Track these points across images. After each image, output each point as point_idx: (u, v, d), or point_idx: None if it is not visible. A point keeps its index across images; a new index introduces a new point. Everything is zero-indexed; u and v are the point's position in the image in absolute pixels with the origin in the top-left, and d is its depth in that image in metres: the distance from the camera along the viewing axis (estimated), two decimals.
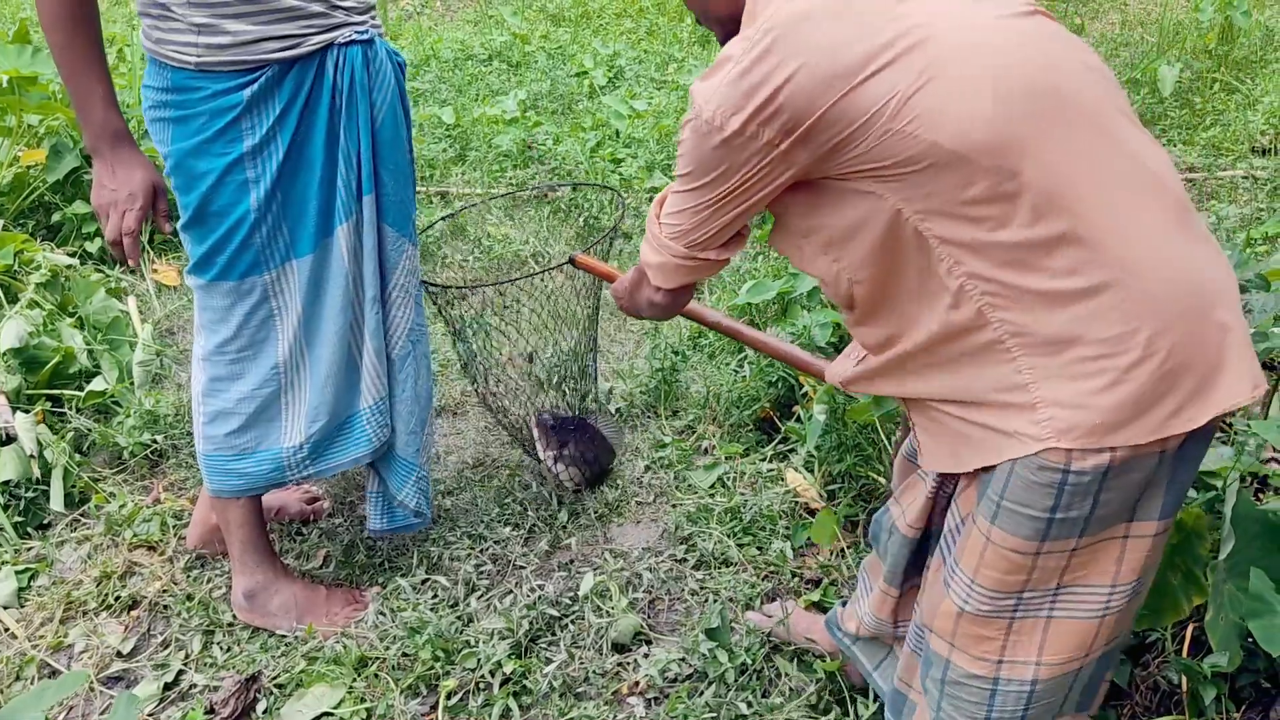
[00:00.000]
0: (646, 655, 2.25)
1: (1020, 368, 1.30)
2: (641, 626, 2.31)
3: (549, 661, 2.23)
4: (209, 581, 2.54)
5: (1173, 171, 1.34)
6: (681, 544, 2.55)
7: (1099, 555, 1.37)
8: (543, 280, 2.62)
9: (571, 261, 2.41)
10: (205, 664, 2.34)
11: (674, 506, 2.70)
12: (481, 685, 2.21)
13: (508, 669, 2.19)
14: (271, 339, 2.18)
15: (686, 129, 1.37)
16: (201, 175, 2.00)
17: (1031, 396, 1.30)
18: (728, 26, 1.48)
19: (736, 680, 2.09)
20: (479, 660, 2.22)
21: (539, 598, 2.35)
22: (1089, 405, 1.26)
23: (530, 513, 2.70)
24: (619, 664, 2.24)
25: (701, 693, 2.09)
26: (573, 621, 2.32)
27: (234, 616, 2.43)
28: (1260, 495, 2.27)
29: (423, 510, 2.45)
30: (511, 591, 2.42)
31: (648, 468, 2.86)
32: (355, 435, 2.31)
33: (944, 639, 1.49)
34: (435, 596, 2.43)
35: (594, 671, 2.21)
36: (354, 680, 2.25)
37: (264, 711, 2.21)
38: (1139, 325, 1.24)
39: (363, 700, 2.21)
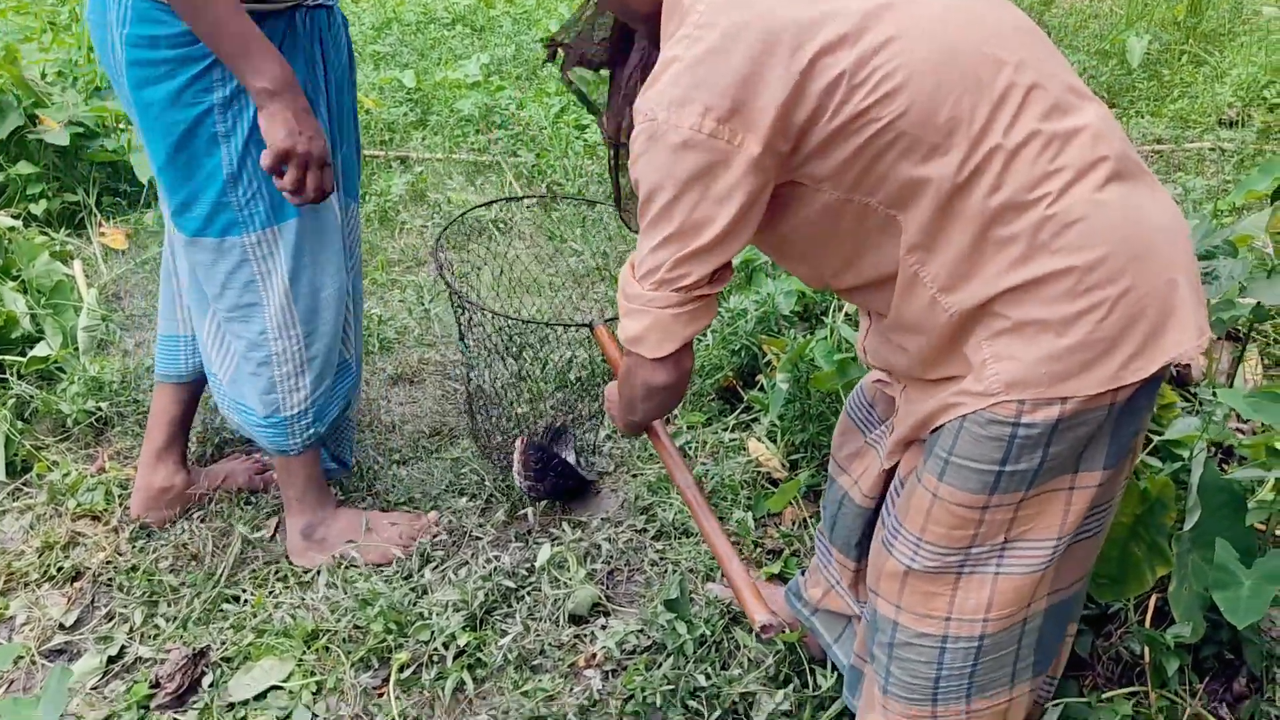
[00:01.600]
0: (604, 627, 2.21)
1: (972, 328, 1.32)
2: (599, 598, 2.26)
3: (504, 634, 2.17)
4: (154, 552, 2.47)
5: (1115, 126, 1.31)
6: (641, 514, 2.50)
7: (1046, 508, 1.37)
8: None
9: (590, 328, 2.34)
10: (150, 637, 2.27)
11: (634, 476, 2.65)
12: (435, 658, 2.15)
13: (462, 641, 2.14)
14: (258, 305, 2.15)
15: (639, 144, 1.28)
16: (173, 124, 1.95)
17: (981, 354, 1.30)
18: (652, 24, 1.41)
19: (695, 652, 2.04)
20: (432, 633, 2.16)
21: (495, 569, 2.29)
22: (1039, 357, 1.26)
23: (487, 482, 2.64)
24: (576, 636, 2.19)
25: (659, 665, 2.05)
26: (529, 593, 2.27)
27: (185, 590, 2.36)
28: (1225, 466, 2.26)
29: (345, 459, 2.56)
30: (467, 563, 2.36)
31: (608, 436, 2.80)
32: (340, 390, 2.36)
33: (890, 601, 1.47)
34: (388, 568, 2.37)
35: (550, 643, 2.16)
36: (304, 653, 2.18)
37: (211, 685, 2.14)
38: (1090, 276, 1.24)
39: (312, 673, 2.15)
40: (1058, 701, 1.73)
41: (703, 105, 1.22)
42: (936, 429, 1.39)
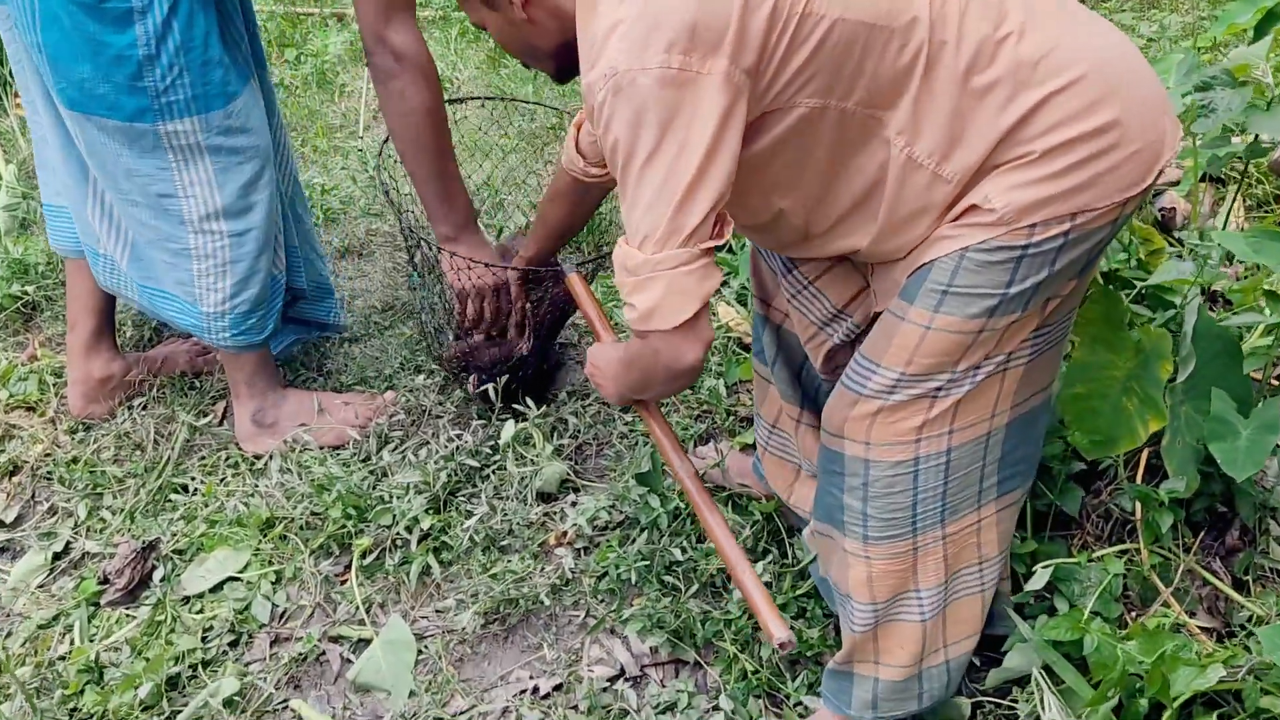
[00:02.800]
0: (574, 504, 2.12)
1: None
2: (568, 474, 2.17)
3: (469, 515, 2.08)
4: (95, 443, 2.34)
5: None
6: None
7: (1026, 325, 1.40)
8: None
9: (560, 275, 2.08)
10: (96, 531, 2.16)
11: None
12: (398, 543, 2.06)
13: (425, 525, 2.04)
14: (174, 196, 2.01)
15: (606, 105, 1.24)
16: None
17: (983, 193, 1.32)
18: (560, 58, 1.45)
19: (669, 526, 1.96)
20: (394, 517, 2.06)
21: (457, 449, 2.18)
22: (1046, 179, 1.29)
23: None
24: (545, 514, 2.10)
25: (633, 540, 1.97)
26: (494, 472, 2.17)
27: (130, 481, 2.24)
28: (1213, 312, 2.17)
29: (333, 322, 2.56)
30: (427, 443, 2.25)
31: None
32: (274, 309, 2.25)
33: (859, 441, 1.46)
34: (345, 450, 2.26)
35: (518, 523, 2.07)
36: (259, 542, 2.08)
37: (162, 579, 2.04)
38: (1078, 96, 1.28)
39: (270, 563, 2.06)
40: (1047, 563, 1.67)
41: (664, 41, 1.20)
42: (918, 268, 1.39)
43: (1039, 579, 1.64)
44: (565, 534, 2.05)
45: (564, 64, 1.46)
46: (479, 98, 2.65)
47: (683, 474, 1.60)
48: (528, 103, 2.83)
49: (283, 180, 2.24)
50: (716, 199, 1.27)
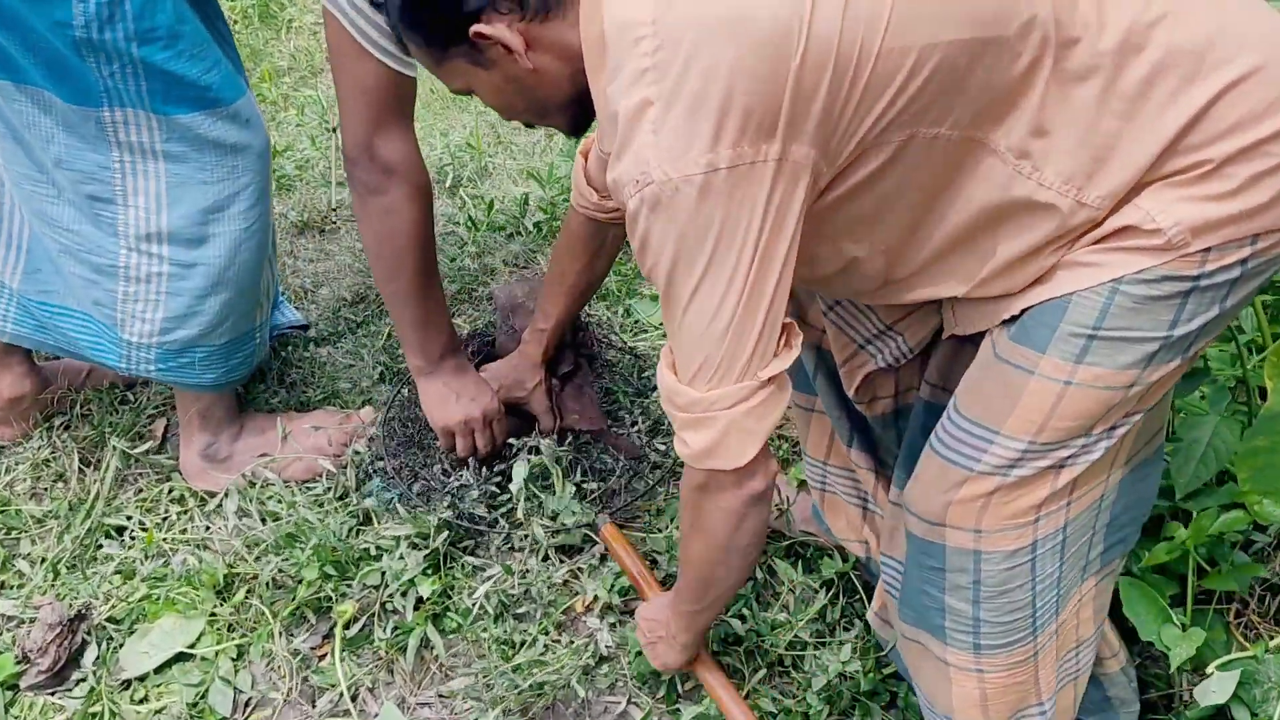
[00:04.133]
0: (604, 559, 1.75)
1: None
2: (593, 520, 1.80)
3: (476, 573, 1.71)
4: (6, 474, 1.91)
5: None
6: (637, 400, 2.02)
7: (1176, 374, 1.15)
8: None
9: (594, 531, 1.76)
10: (10, 587, 1.76)
11: (622, 353, 2.14)
12: (389, 609, 1.68)
13: (424, 589, 1.66)
14: (111, 202, 1.61)
15: (641, 221, 1.01)
16: None
17: (1140, 212, 1.05)
18: (571, 110, 1.18)
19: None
20: (384, 576, 1.69)
21: (458, 488, 1.80)
22: (1226, 196, 1.02)
23: None
24: (570, 573, 1.73)
25: None
26: (504, 517, 1.79)
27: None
28: None
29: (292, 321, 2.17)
30: (418, 477, 1.86)
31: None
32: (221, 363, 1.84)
33: (966, 529, 1.18)
34: (316, 485, 1.86)
35: (538, 584, 1.70)
36: (216, 607, 1.70)
37: (96, 660, 1.65)
38: (1257, 89, 1.01)
39: (230, 633, 1.67)
40: (1226, 661, 1.35)
41: (709, 133, 0.96)
42: (1031, 308, 1.12)
43: (1222, 686, 1.32)
44: (595, 599, 1.69)
45: (578, 115, 1.20)
46: None
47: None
48: None
49: None
50: (779, 308, 1.06)
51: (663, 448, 1.91)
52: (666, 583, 1.62)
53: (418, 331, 1.68)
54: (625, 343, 2.10)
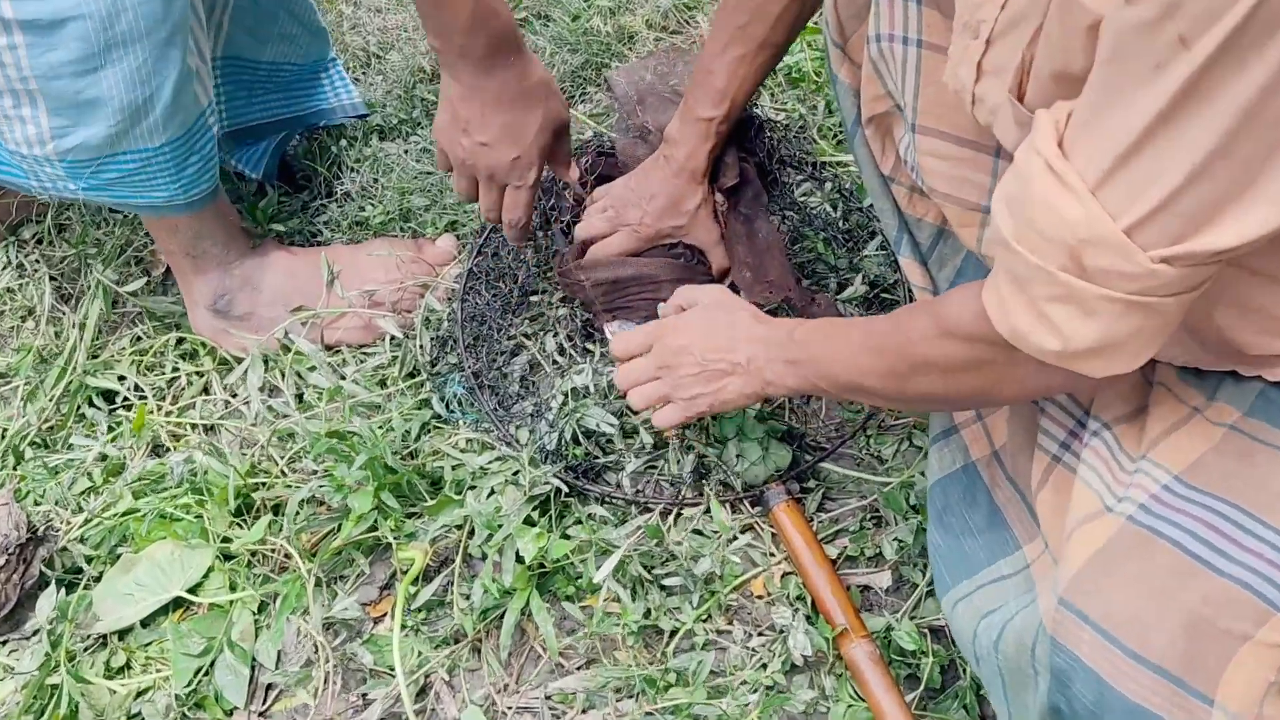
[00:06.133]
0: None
1: None
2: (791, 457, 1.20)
3: (603, 524, 1.14)
4: None
5: None
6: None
7: None
8: None
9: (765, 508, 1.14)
10: None
11: None
12: (474, 556, 1.14)
13: (528, 545, 1.09)
14: None
15: None
16: None
17: None
18: None
19: None
20: (471, 520, 1.13)
21: (574, 393, 1.20)
22: None
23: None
24: (748, 530, 1.15)
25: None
26: (638, 455, 1.20)
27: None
28: None
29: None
30: (529, 371, 1.27)
31: None
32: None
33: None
34: (376, 351, 1.29)
35: (698, 547, 1.12)
36: (230, 530, 1.18)
37: (58, 608, 1.14)
38: None
39: (251, 568, 1.15)
40: None
41: None
42: None
43: None
44: (784, 578, 1.11)
45: None
46: None
47: None
48: None
49: None
50: None
51: None
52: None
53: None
54: (816, 156, 1.42)
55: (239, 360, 1.31)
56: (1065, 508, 0.83)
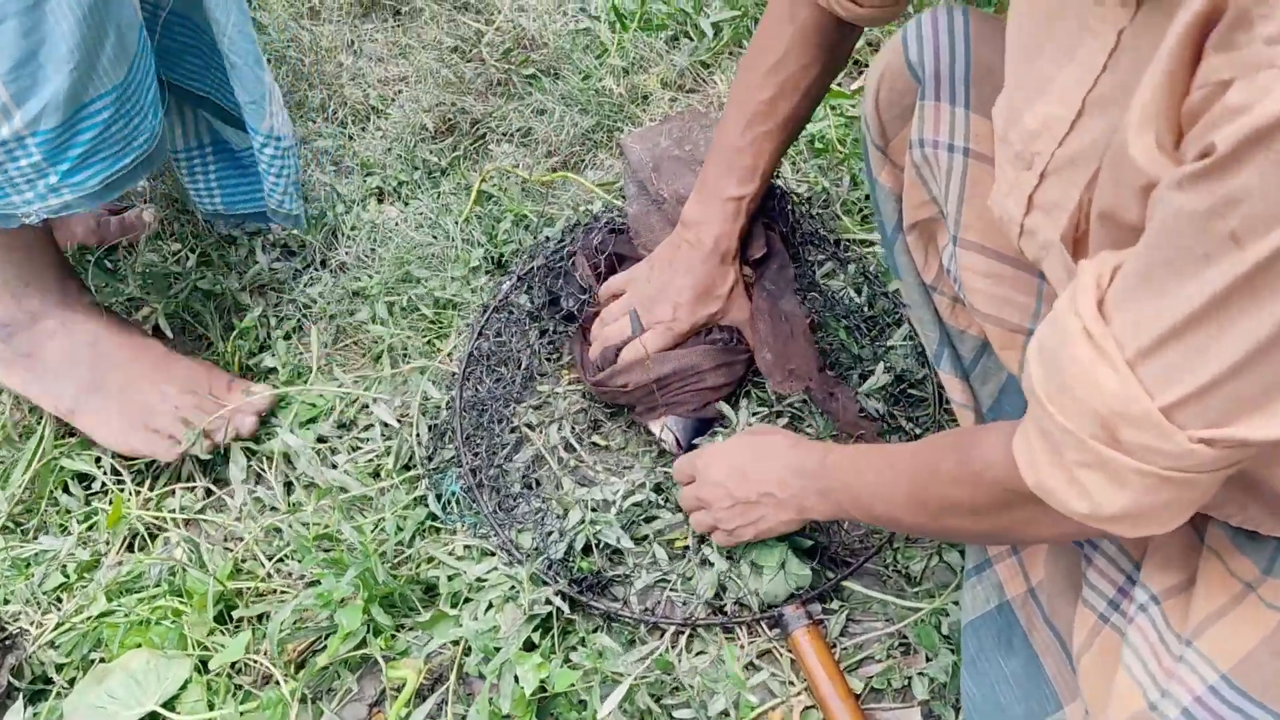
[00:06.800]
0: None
1: None
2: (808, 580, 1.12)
3: (604, 654, 1.06)
4: None
5: None
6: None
7: None
8: None
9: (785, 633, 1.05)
10: None
11: None
12: (472, 674, 1.06)
13: (526, 676, 1.01)
14: None
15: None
16: None
17: None
18: None
19: None
20: (465, 640, 1.05)
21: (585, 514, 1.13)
22: None
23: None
24: (765, 656, 1.07)
25: None
26: (649, 569, 1.12)
27: None
28: None
29: (286, 209, 1.27)
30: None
31: None
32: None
33: None
34: (371, 446, 1.21)
35: (706, 673, 1.05)
36: (210, 635, 1.10)
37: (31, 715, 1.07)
38: None
39: (232, 678, 1.08)
40: None
41: None
42: None
43: None
44: (807, 712, 1.03)
45: None
46: None
47: None
48: None
49: None
50: None
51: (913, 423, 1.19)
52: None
53: None
54: (840, 234, 1.35)
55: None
56: (1110, 678, 0.80)
